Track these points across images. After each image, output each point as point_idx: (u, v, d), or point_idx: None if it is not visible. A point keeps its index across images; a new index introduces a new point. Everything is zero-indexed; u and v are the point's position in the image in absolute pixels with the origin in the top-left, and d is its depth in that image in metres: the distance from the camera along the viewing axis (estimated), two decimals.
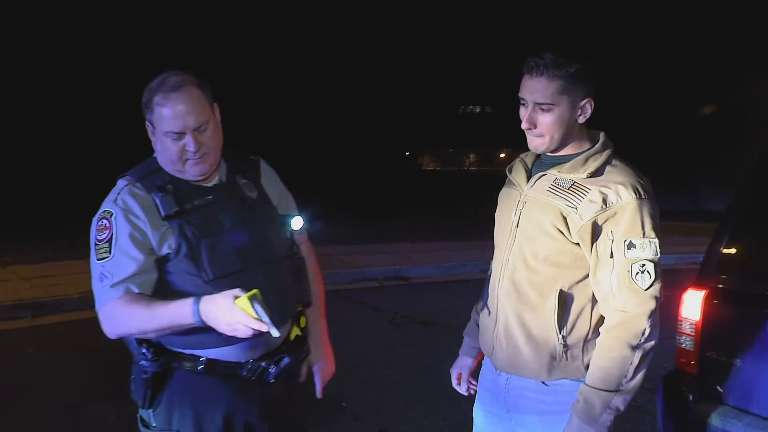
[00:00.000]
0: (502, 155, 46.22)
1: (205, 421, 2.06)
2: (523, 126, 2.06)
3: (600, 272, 1.98)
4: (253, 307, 1.76)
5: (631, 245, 1.92)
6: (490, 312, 2.21)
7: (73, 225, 13.62)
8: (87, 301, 8.20)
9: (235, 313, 1.76)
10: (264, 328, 1.76)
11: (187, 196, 2.04)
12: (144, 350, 2.00)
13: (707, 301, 2.97)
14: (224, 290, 1.84)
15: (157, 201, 1.99)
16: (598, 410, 1.93)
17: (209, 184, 2.11)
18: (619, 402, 1.94)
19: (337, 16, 22.78)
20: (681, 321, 3.03)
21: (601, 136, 2.10)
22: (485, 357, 2.32)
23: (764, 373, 2.75)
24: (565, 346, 2.03)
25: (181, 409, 2.05)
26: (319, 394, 2.41)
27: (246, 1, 21.20)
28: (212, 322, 1.82)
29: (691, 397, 2.94)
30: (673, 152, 20.42)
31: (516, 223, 2.11)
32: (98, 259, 1.96)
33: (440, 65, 26.03)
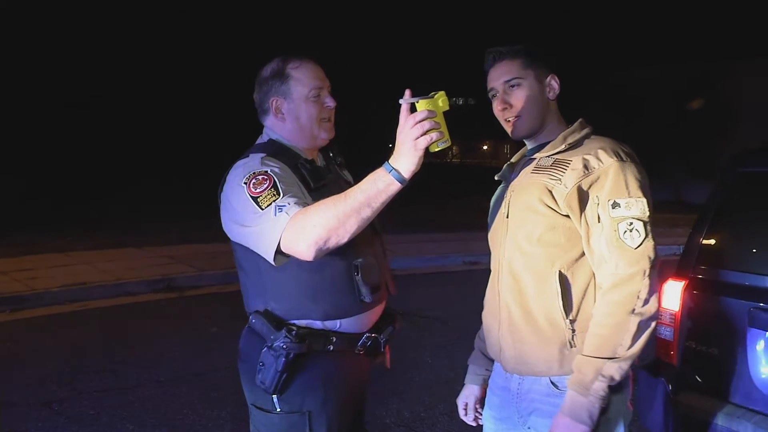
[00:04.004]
0: (485, 147, 46.29)
1: (331, 400, 2.10)
2: (498, 108, 2.07)
3: (592, 240, 1.93)
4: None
5: (615, 204, 1.89)
6: (492, 312, 2.15)
7: (51, 220, 13.46)
8: (67, 294, 8.14)
9: (414, 116, 1.74)
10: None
11: (319, 173, 2.14)
12: (284, 332, 2.01)
13: (686, 292, 2.99)
14: (364, 255, 2.07)
15: (306, 173, 2.09)
16: (589, 378, 1.83)
17: (320, 164, 2.23)
18: (612, 370, 1.82)
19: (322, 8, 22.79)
20: (661, 312, 3.04)
21: (579, 120, 2.11)
22: (495, 363, 2.25)
23: (742, 363, 2.77)
24: (573, 331, 1.95)
25: (314, 390, 2.08)
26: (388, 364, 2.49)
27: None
28: (405, 153, 1.76)
29: (670, 387, 2.95)
30: (655, 143, 20.58)
31: (506, 214, 2.09)
32: (266, 206, 1.91)
33: (422, 56, 26.07)
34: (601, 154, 1.94)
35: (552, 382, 2.01)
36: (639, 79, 22.47)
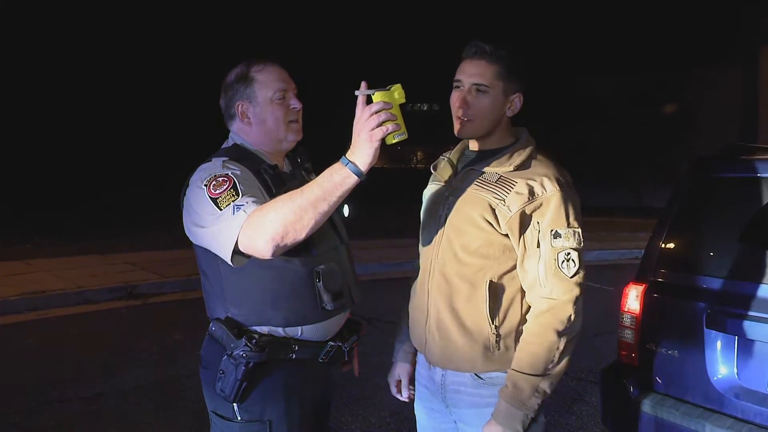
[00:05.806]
0: None
1: (293, 409, 2.09)
2: (455, 106, 2.09)
3: (527, 262, 2.05)
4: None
5: (556, 235, 2.01)
6: (420, 307, 2.25)
7: (10, 227, 13.17)
8: (26, 303, 7.93)
9: (370, 107, 1.72)
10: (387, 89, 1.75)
11: (281, 179, 2.11)
12: (244, 341, 1.99)
13: (647, 295, 3.05)
14: (326, 262, 2.06)
15: (268, 178, 2.06)
16: (526, 394, 1.99)
17: (286, 170, 2.22)
18: (545, 386, 2.01)
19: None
20: (622, 314, 3.10)
21: (525, 133, 2.18)
22: (418, 353, 2.34)
23: (700, 364, 2.83)
24: (498, 336, 2.08)
25: (275, 398, 2.06)
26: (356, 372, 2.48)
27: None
28: (360, 146, 1.73)
29: (631, 388, 3.01)
30: (618, 149, 20.93)
31: (444, 218, 2.15)
32: (225, 207, 1.87)
33: (387, 62, 26.12)
34: (546, 182, 2.04)
35: (475, 374, 2.13)
36: (601, 86, 22.83)
